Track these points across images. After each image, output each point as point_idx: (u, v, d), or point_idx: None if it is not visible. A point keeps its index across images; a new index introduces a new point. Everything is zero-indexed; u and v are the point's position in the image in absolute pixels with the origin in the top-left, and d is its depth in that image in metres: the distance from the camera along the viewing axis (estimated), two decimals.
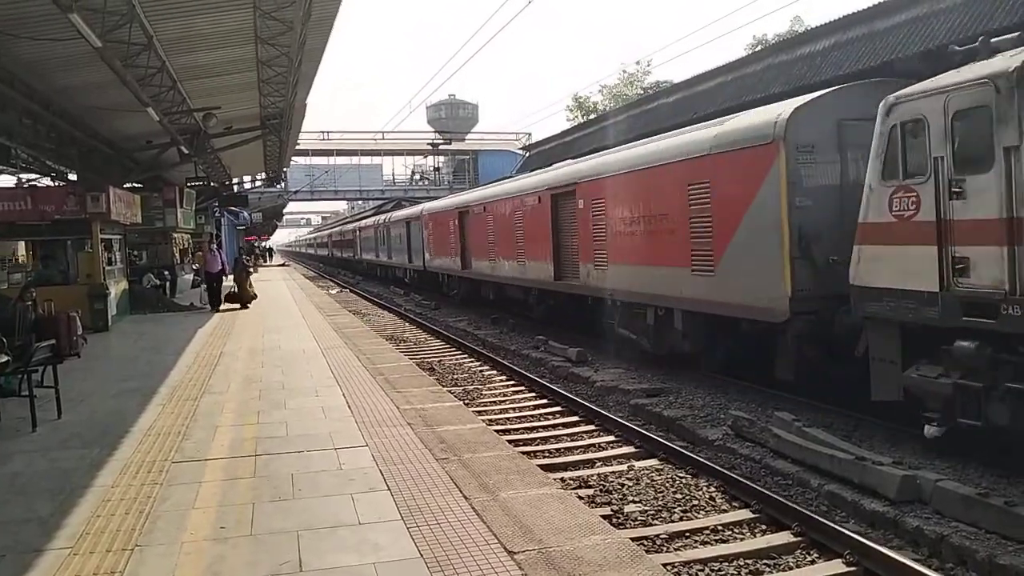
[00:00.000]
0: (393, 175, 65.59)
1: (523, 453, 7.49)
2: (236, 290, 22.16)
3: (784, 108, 9.89)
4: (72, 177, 21.68)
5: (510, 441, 8.30)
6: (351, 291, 36.79)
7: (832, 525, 6.29)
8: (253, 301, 22.11)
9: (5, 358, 8.40)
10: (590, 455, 8.93)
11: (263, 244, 76.56)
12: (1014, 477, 6.95)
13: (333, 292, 34.62)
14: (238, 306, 21.44)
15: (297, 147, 36.94)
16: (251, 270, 24.64)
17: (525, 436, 9.81)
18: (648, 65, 52.42)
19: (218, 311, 20.78)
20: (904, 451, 7.95)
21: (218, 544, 4.86)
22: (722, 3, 49.24)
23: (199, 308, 22.03)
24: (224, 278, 22.59)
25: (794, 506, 6.72)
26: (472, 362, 15.41)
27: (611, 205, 14.03)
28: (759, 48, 33.53)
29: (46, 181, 24.14)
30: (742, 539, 6.42)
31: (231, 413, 8.50)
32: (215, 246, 24.93)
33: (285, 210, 77.26)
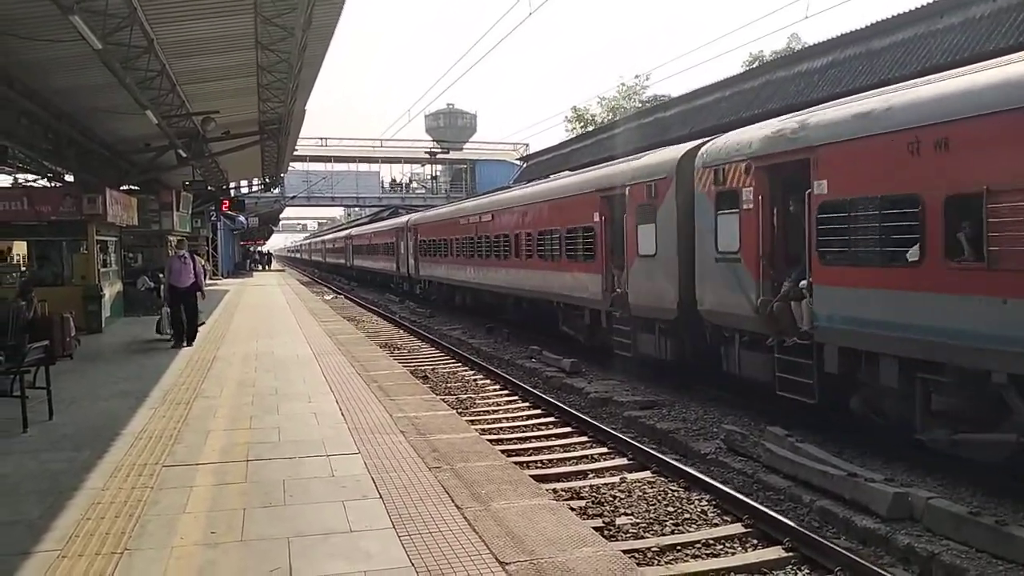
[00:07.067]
0: (390, 182, 65.88)
1: (516, 463, 7.47)
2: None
3: None
4: (69, 178, 21.64)
5: (503, 451, 8.28)
6: (346, 297, 36.83)
7: (824, 541, 6.29)
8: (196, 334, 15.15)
9: None
10: (583, 466, 8.92)
11: (259, 248, 75.76)
12: (1004, 496, 6.97)
13: (328, 298, 34.57)
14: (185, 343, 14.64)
15: (295, 153, 36.97)
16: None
17: (518, 446, 9.80)
18: (647, 79, 52.73)
19: (183, 347, 14.36)
20: (896, 468, 7.96)
21: (208, 549, 4.83)
22: (721, 23, 49.60)
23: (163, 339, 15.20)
24: (202, 296, 15.40)
25: (786, 521, 6.72)
26: (466, 371, 15.40)
27: None
28: (755, 65, 33.71)
29: (43, 182, 24.11)
30: (733, 553, 6.42)
31: (223, 418, 8.46)
32: (185, 252, 15.50)
33: (282, 215, 77.06)
